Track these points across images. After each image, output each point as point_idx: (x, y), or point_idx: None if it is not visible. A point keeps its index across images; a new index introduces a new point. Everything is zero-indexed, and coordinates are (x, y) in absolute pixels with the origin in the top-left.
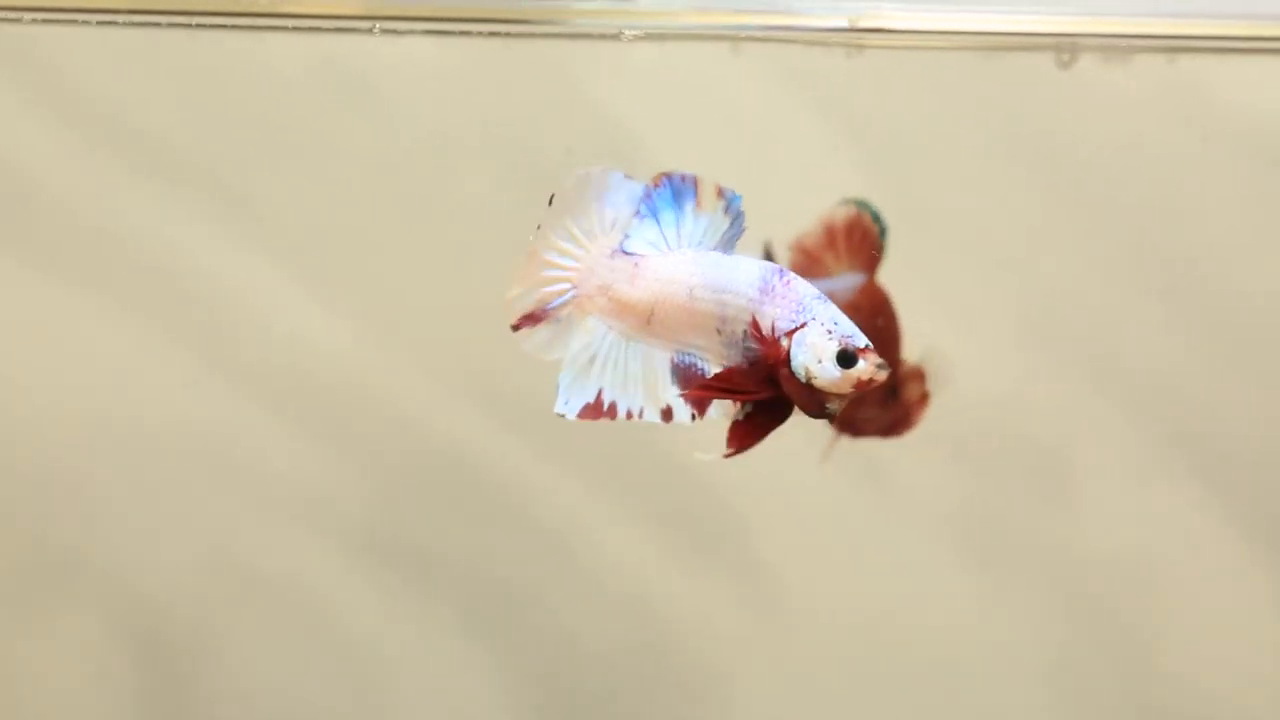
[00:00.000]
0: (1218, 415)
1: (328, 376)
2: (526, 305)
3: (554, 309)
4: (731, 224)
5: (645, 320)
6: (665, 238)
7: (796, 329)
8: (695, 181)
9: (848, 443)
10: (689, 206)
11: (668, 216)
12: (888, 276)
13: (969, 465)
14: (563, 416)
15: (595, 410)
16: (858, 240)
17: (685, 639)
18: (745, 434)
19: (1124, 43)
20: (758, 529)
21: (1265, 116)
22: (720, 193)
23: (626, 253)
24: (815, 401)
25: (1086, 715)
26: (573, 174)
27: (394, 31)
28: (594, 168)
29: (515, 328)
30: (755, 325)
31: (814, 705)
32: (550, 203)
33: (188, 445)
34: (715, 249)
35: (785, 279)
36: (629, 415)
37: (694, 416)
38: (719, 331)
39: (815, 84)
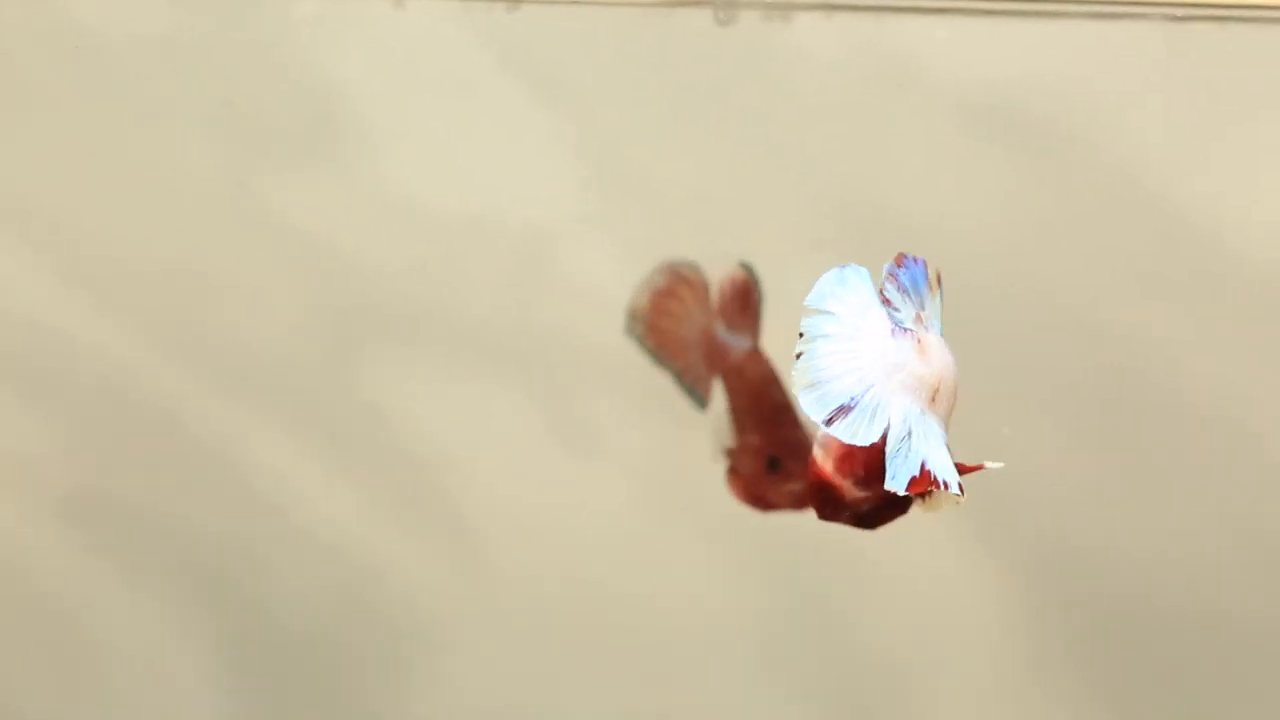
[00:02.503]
0: None
1: (33, 335)
2: (834, 397)
3: (862, 395)
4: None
5: (931, 397)
6: (923, 318)
7: None
8: (925, 264)
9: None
10: (924, 288)
11: (916, 298)
12: (572, 242)
13: (681, 431)
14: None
15: (923, 482)
16: (744, 303)
17: (393, 599)
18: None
19: None
20: (466, 491)
21: (941, 75)
22: (940, 278)
23: (904, 329)
24: None
25: (789, 683)
26: (831, 272)
27: None
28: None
29: (828, 422)
30: None
31: (520, 664)
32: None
33: None
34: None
35: None
36: (944, 486)
37: (962, 490)
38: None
39: (480, 39)
